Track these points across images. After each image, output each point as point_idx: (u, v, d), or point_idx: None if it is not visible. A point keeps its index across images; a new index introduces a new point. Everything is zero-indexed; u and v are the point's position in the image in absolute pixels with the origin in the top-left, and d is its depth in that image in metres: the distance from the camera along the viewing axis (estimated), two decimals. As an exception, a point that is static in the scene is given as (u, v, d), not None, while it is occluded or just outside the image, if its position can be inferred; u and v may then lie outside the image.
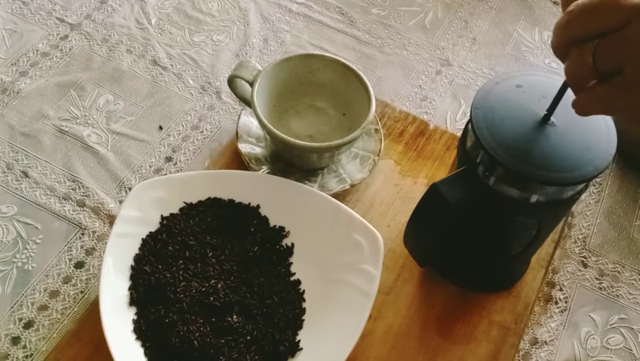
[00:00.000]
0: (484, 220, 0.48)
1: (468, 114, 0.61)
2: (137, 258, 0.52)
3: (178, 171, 0.63)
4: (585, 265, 0.59)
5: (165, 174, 0.62)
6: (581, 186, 0.44)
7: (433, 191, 0.43)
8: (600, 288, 0.58)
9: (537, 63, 0.76)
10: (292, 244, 0.55)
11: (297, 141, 0.54)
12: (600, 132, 0.42)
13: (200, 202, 0.55)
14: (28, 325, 0.52)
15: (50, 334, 0.52)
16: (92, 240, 0.57)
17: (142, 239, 0.53)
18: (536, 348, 0.54)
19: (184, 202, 0.55)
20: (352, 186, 0.58)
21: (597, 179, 0.66)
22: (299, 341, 0.50)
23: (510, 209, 0.45)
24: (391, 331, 0.52)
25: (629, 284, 0.58)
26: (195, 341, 0.47)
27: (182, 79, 0.70)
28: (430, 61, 0.75)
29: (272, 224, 0.55)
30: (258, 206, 0.56)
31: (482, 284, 0.55)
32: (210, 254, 0.52)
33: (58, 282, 0.55)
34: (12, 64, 0.69)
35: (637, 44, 0.32)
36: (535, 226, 0.48)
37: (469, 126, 0.44)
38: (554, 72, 0.74)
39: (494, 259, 0.53)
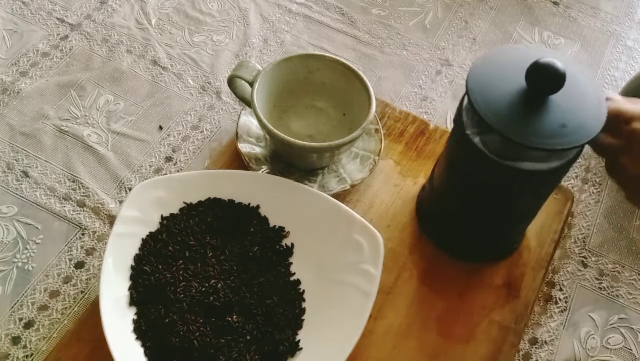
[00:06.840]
0: (482, 189, 0.49)
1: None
2: (137, 258, 0.52)
3: (178, 171, 0.63)
4: (585, 265, 0.59)
5: (165, 174, 0.62)
6: (573, 153, 0.44)
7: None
8: (600, 288, 0.58)
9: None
10: (292, 244, 0.55)
11: (297, 141, 0.54)
12: (592, 103, 0.43)
13: (200, 202, 0.55)
14: (28, 325, 0.52)
15: (50, 334, 0.52)
16: (92, 240, 0.57)
17: (142, 239, 0.53)
18: (536, 348, 0.54)
19: (184, 202, 0.55)
20: (352, 186, 0.58)
21: (597, 179, 0.66)
22: (299, 341, 0.50)
23: (505, 178, 0.46)
24: (391, 331, 0.52)
25: (629, 284, 0.58)
26: (195, 341, 0.47)
27: (182, 79, 0.70)
28: (430, 60, 0.75)
29: (272, 224, 0.55)
30: (258, 206, 0.56)
31: (478, 254, 0.55)
32: (210, 254, 0.52)
33: (58, 282, 0.55)
34: (12, 64, 0.69)
35: None
36: (530, 196, 0.49)
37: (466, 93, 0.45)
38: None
39: (489, 227, 0.53)
